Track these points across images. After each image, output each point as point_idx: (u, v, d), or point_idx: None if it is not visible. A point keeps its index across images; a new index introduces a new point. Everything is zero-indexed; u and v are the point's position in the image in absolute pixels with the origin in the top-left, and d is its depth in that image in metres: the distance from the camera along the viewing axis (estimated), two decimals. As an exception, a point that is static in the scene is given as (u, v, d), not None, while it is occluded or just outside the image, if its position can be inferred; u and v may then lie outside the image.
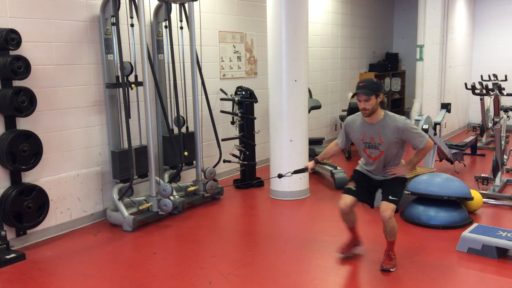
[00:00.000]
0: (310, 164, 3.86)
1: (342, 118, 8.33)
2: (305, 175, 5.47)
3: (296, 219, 4.83)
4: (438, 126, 6.13)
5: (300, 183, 5.42)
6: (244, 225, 4.79)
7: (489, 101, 7.90)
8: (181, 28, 5.28)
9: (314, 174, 6.43)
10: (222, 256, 3.86)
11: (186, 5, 5.16)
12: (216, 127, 5.55)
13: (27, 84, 3.97)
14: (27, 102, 3.91)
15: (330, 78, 8.81)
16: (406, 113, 10.68)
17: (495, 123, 5.35)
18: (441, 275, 3.46)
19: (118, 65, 4.50)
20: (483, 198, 4.89)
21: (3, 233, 3.85)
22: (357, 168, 3.79)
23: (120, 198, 4.55)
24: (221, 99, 6.11)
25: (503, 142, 5.64)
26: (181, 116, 5.26)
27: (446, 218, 4.41)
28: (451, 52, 8.94)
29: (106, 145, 4.77)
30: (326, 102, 8.59)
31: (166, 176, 5.23)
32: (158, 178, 4.96)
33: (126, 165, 4.57)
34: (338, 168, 6.00)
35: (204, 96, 5.39)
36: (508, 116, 6.42)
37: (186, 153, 5.11)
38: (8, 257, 3.77)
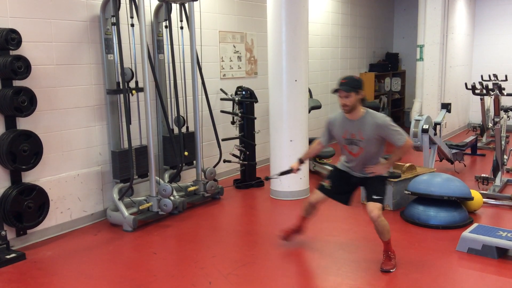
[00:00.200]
0: (295, 165, 3.90)
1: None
2: (306, 175, 5.47)
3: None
4: (438, 126, 6.13)
5: (300, 183, 5.42)
6: (244, 225, 4.79)
7: (489, 101, 7.89)
8: (181, 28, 5.28)
9: (315, 174, 6.42)
10: (222, 256, 3.86)
11: (186, 5, 5.16)
12: (216, 127, 5.55)
13: (27, 84, 3.97)
14: (27, 102, 3.91)
15: (330, 78, 8.81)
16: (406, 113, 10.69)
17: (495, 123, 5.35)
18: (441, 275, 3.46)
19: (119, 71, 4.51)
20: (483, 198, 4.89)
21: (3, 233, 3.85)
22: (337, 165, 3.84)
23: (120, 198, 4.55)
24: (221, 99, 6.11)
25: (503, 142, 5.64)
26: (181, 116, 5.26)
27: (446, 218, 4.41)
28: (451, 52, 8.94)
29: (106, 145, 4.77)
30: (326, 102, 8.59)
31: (166, 176, 5.23)
32: (158, 178, 4.96)
33: (126, 165, 4.57)
34: (338, 168, 5.99)
35: (204, 96, 5.39)
36: (508, 116, 6.41)
37: (186, 153, 5.11)
38: (8, 257, 3.77)
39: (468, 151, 7.34)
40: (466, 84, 7.09)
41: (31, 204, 4.00)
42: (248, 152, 5.84)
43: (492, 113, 6.16)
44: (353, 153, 3.60)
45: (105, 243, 4.20)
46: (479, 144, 7.83)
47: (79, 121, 4.52)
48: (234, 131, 5.97)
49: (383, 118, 3.51)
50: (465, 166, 6.77)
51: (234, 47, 6.43)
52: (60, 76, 4.34)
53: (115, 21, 4.49)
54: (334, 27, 8.76)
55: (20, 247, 4.08)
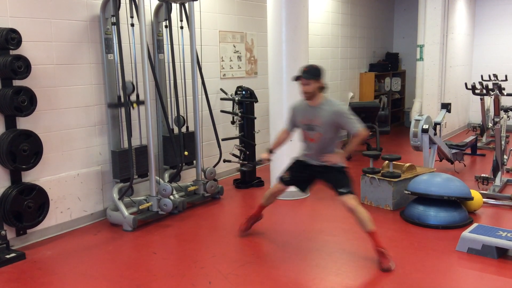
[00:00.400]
0: (264, 155, 4.06)
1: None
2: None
3: (296, 218, 4.83)
4: (438, 126, 6.13)
5: (300, 183, 5.41)
6: (244, 224, 4.79)
7: (489, 101, 7.89)
8: (182, 27, 5.28)
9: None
10: (222, 256, 3.86)
11: (186, 4, 5.16)
12: (216, 127, 5.55)
13: (27, 84, 3.97)
14: (27, 102, 3.91)
15: (330, 78, 8.80)
16: (406, 113, 10.70)
17: (495, 123, 5.34)
18: (441, 275, 3.46)
19: (120, 84, 4.55)
20: (483, 198, 4.89)
21: (3, 232, 3.85)
22: (298, 156, 4.01)
23: (120, 198, 4.56)
24: (221, 99, 6.11)
25: (503, 142, 5.64)
26: (181, 116, 5.26)
27: (446, 218, 4.41)
28: (451, 52, 8.94)
29: (106, 145, 4.77)
30: (326, 102, 8.58)
31: (166, 175, 5.23)
32: (158, 178, 4.96)
33: (126, 164, 4.58)
34: (338, 168, 5.99)
35: (204, 96, 5.39)
36: (508, 116, 6.41)
37: (186, 153, 5.11)
38: (8, 256, 3.77)
39: (468, 151, 7.34)
40: (466, 84, 7.10)
41: (31, 204, 4.01)
42: (248, 152, 5.84)
43: (492, 113, 6.15)
44: (311, 138, 3.80)
45: (105, 243, 4.20)
46: (479, 144, 7.83)
47: (79, 121, 4.52)
48: (234, 131, 5.98)
49: (340, 106, 3.75)
50: (465, 166, 6.77)
51: (234, 47, 6.43)
52: (60, 76, 4.34)
53: (115, 21, 4.49)
54: (334, 27, 8.76)
55: (20, 246, 4.08)
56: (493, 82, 6.58)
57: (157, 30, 5.18)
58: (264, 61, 6.21)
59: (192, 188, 5.22)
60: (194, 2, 5.09)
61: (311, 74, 3.67)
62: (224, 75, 6.30)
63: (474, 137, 7.43)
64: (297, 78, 3.71)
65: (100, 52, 4.64)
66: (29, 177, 4.13)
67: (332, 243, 4.13)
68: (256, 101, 5.86)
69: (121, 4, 4.57)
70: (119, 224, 4.53)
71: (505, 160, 5.77)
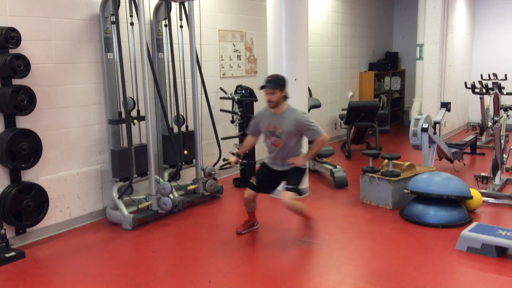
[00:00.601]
0: (233, 159, 4.24)
1: (342, 117, 8.34)
2: (305, 174, 5.46)
3: (296, 217, 4.82)
4: (437, 125, 6.13)
5: (300, 182, 5.41)
6: (243, 223, 4.79)
7: (489, 100, 7.90)
8: (181, 26, 5.27)
9: (314, 173, 6.43)
10: (222, 255, 3.86)
11: (186, 3, 5.16)
12: (215, 126, 5.55)
13: (27, 83, 3.97)
14: (26, 101, 3.91)
15: (330, 77, 8.81)
16: (406, 112, 10.70)
17: (494, 122, 5.34)
18: (440, 274, 3.46)
19: (121, 100, 4.58)
20: (482, 197, 4.89)
21: (2, 231, 3.85)
22: (264, 160, 4.21)
23: (120, 197, 4.55)
24: (221, 98, 6.11)
25: (502, 141, 5.64)
26: (181, 115, 5.26)
27: (446, 217, 4.41)
28: (451, 51, 8.94)
29: (106, 144, 4.76)
30: (326, 101, 8.59)
31: (166, 174, 5.23)
32: (158, 177, 4.96)
33: (126, 163, 4.57)
34: (337, 167, 6.00)
35: (204, 95, 5.39)
36: (508, 115, 6.42)
37: (185, 152, 5.11)
38: (7, 255, 3.77)
39: (468, 150, 7.34)
40: (465, 83, 7.09)
41: (30, 203, 4.00)
42: (247, 151, 5.83)
43: (491, 112, 6.15)
44: (275, 144, 3.98)
45: (104, 242, 4.20)
46: (478, 143, 7.83)
47: (78, 120, 4.52)
48: (234, 130, 5.98)
49: (301, 115, 3.91)
50: (464, 165, 6.77)
51: (234, 46, 6.43)
52: (60, 75, 4.34)
53: (114, 20, 4.49)
54: (334, 26, 8.76)
55: (20, 245, 4.08)
56: (493, 81, 6.57)
57: (157, 29, 5.18)
58: (264, 60, 6.21)
59: (191, 187, 5.22)
60: (194, 1, 5.09)
61: (276, 84, 3.82)
62: (224, 74, 6.30)
63: (474, 136, 7.43)
64: (262, 87, 3.87)
65: (100, 51, 4.64)
66: (29, 176, 4.13)
67: (331, 242, 4.13)
68: (256, 100, 5.86)
69: (121, 3, 4.57)
70: (119, 223, 4.53)
71: (504, 159, 5.77)
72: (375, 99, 9.59)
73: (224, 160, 4.67)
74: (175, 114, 5.17)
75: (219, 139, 5.55)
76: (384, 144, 8.16)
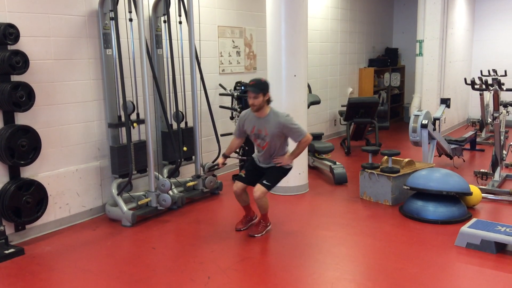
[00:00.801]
0: (220, 160, 4.31)
1: (342, 113, 8.33)
2: (304, 170, 5.47)
3: (295, 214, 4.83)
4: (437, 121, 6.12)
5: (299, 178, 5.42)
6: (243, 220, 4.79)
7: (488, 96, 7.89)
8: (180, 23, 5.26)
9: (314, 170, 6.43)
10: (221, 251, 3.87)
11: (185, -1, 5.15)
12: (215, 122, 5.54)
13: (26, 79, 3.96)
14: (25, 97, 3.90)
15: (330, 73, 8.80)
16: (406, 108, 10.69)
17: (494, 118, 5.34)
18: (439, 270, 3.47)
19: (121, 104, 4.57)
20: (482, 193, 4.90)
21: (2, 228, 3.85)
22: (253, 155, 4.29)
23: (119, 193, 4.55)
24: (220, 94, 6.11)
25: (502, 137, 5.64)
26: (180, 111, 5.25)
27: (445, 213, 4.41)
28: (450, 47, 8.93)
29: (105, 140, 4.76)
30: (325, 97, 8.59)
31: (165, 171, 5.23)
32: (157, 173, 4.96)
33: (125, 160, 4.57)
34: (337, 163, 6.00)
35: (203, 91, 5.38)
36: (507, 111, 6.41)
37: (185, 148, 5.11)
38: (7, 252, 3.77)
39: (467, 146, 7.34)
40: (465, 79, 7.08)
41: (29, 199, 4.00)
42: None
43: (491, 108, 6.15)
44: (261, 146, 4.06)
45: (104, 238, 4.21)
46: (478, 139, 7.83)
47: (77, 116, 4.52)
48: (233, 126, 5.95)
49: (284, 117, 3.94)
50: (464, 161, 6.78)
51: (233, 42, 6.42)
52: (59, 71, 4.33)
53: (113, 16, 4.47)
54: (334, 22, 8.74)
55: (19, 242, 4.08)
56: (493, 77, 6.57)
57: (156, 25, 5.16)
58: (263, 56, 6.20)
59: (191, 183, 5.22)
60: (193, -3, 5.07)
61: (259, 88, 3.86)
62: (223, 70, 6.29)
63: (473, 132, 7.43)
64: (244, 92, 3.87)
65: (99, 47, 4.62)
66: (28, 172, 4.13)
67: (330, 238, 4.13)
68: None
69: (119, -1, 4.56)
70: (118, 220, 4.53)
71: (504, 155, 5.77)
72: (375, 96, 9.58)
73: (212, 162, 4.74)
74: (174, 110, 5.16)
75: (219, 135, 5.54)
76: (383, 141, 8.15)
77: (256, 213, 4.41)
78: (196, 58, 5.24)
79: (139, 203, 4.62)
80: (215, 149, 5.59)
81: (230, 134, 5.85)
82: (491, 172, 5.60)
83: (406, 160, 5.19)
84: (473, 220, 4.10)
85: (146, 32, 4.77)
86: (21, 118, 4.03)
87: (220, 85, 6.07)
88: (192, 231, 4.36)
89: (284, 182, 5.29)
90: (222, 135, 5.72)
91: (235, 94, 5.78)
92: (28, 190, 4.02)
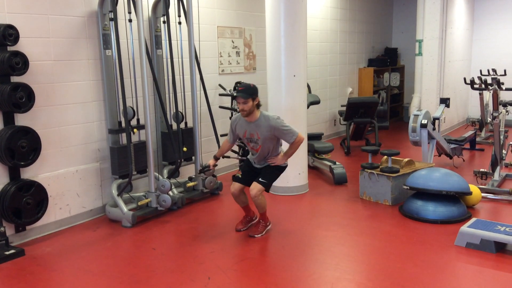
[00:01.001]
0: (211, 162, 4.35)
1: (341, 113, 8.34)
2: (304, 170, 5.47)
3: (295, 214, 4.84)
4: (437, 121, 6.13)
5: (299, 178, 5.42)
6: (243, 220, 4.79)
7: (488, 95, 7.89)
8: (180, 23, 5.26)
9: (313, 170, 6.43)
10: (221, 251, 3.87)
11: (184, 0, 5.14)
12: (215, 123, 5.55)
13: (25, 80, 3.96)
14: (25, 98, 3.90)
15: (329, 73, 8.80)
16: (405, 108, 10.70)
17: (494, 118, 5.34)
18: (439, 270, 3.47)
19: (121, 109, 4.59)
20: (481, 192, 4.90)
21: (2, 229, 3.86)
22: (248, 157, 4.36)
23: (119, 194, 4.56)
24: (220, 95, 6.11)
25: (502, 137, 5.64)
26: (180, 112, 5.25)
27: (445, 212, 4.41)
28: (450, 47, 8.93)
29: (105, 141, 4.76)
30: (325, 97, 8.59)
31: (165, 171, 5.23)
32: (157, 174, 4.96)
33: (125, 161, 4.57)
34: (337, 163, 6.00)
35: (202, 92, 5.38)
36: (507, 111, 6.41)
37: (185, 149, 5.11)
38: (7, 253, 3.78)
39: (467, 145, 7.35)
40: (465, 79, 7.09)
41: (30, 200, 4.01)
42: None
43: (491, 107, 6.15)
44: (254, 149, 4.11)
45: (104, 239, 4.21)
46: (478, 139, 7.83)
47: (77, 117, 4.52)
48: (233, 127, 5.96)
49: (275, 120, 3.97)
50: (463, 161, 6.78)
51: (233, 42, 6.42)
52: (58, 72, 4.33)
53: (113, 17, 4.47)
54: (333, 22, 8.74)
55: (19, 243, 4.08)
56: (492, 76, 6.57)
57: (155, 25, 5.17)
58: (263, 56, 6.20)
59: (191, 184, 5.22)
60: (192, -3, 5.07)
61: (248, 93, 3.89)
62: (223, 70, 6.29)
63: (473, 132, 7.43)
64: (234, 98, 3.89)
65: (98, 48, 4.63)
66: (28, 173, 4.13)
67: (330, 238, 4.14)
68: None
69: (119, 0, 4.56)
70: (118, 220, 4.53)
71: (503, 155, 5.77)
72: (374, 95, 9.58)
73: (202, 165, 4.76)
74: (174, 111, 5.16)
75: (218, 135, 5.55)
76: (383, 140, 8.16)
77: (256, 214, 4.41)
78: (195, 59, 5.25)
79: (139, 203, 4.63)
80: (215, 150, 5.59)
81: (230, 134, 5.88)
82: (491, 171, 5.60)
83: (406, 160, 5.19)
84: (473, 219, 4.10)
85: (145, 32, 4.77)
86: (21, 119, 4.04)
87: (220, 85, 6.07)
88: (192, 232, 4.37)
89: (284, 182, 5.33)
90: (222, 135, 5.72)
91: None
92: (28, 191, 4.02)
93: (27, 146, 3.95)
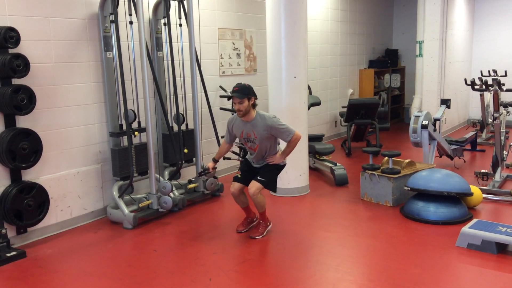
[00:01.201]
0: (210, 164, 4.37)
1: (342, 115, 8.34)
2: (305, 171, 5.47)
3: (296, 215, 4.84)
4: (437, 122, 6.13)
5: (300, 179, 5.43)
6: (244, 222, 4.79)
7: (488, 96, 7.89)
8: (180, 25, 5.27)
9: (314, 171, 6.43)
10: (223, 253, 3.87)
11: (185, 2, 5.16)
12: (215, 124, 5.55)
13: (26, 82, 3.97)
14: (26, 100, 3.91)
15: (330, 75, 8.81)
16: (406, 109, 10.69)
17: (494, 119, 5.34)
18: (440, 271, 3.47)
19: (122, 112, 4.60)
20: (482, 193, 4.90)
21: (3, 231, 3.86)
22: (246, 156, 4.38)
23: (120, 196, 4.56)
24: (221, 96, 6.12)
25: (502, 138, 5.64)
26: (181, 114, 5.26)
27: (446, 213, 4.41)
28: (450, 48, 8.94)
29: (106, 143, 4.77)
30: (325, 99, 8.59)
31: (166, 173, 5.23)
32: (158, 176, 4.96)
33: (126, 162, 4.58)
34: (338, 164, 6.01)
35: (203, 93, 5.39)
36: (507, 112, 6.41)
37: (186, 150, 5.11)
38: (8, 255, 3.78)
39: (468, 146, 7.34)
40: (465, 80, 7.09)
41: (31, 202, 4.01)
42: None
43: (491, 108, 6.15)
44: (252, 149, 4.13)
45: (105, 241, 4.21)
46: (478, 140, 7.83)
47: (78, 119, 4.53)
48: (234, 128, 5.97)
49: (271, 119, 3.98)
50: (464, 161, 6.78)
51: (233, 44, 6.43)
52: (59, 74, 4.34)
53: (113, 19, 4.49)
54: (334, 23, 8.75)
55: (21, 245, 4.09)
56: (493, 77, 6.57)
57: (156, 27, 5.18)
58: (263, 58, 6.21)
59: (192, 185, 5.22)
60: (193, -1, 5.08)
61: (243, 93, 3.90)
62: (223, 72, 6.30)
63: (474, 133, 7.43)
64: (229, 98, 3.90)
65: (99, 50, 4.64)
66: (29, 175, 4.14)
67: (332, 239, 4.14)
68: (256, 98, 5.85)
69: (120, 2, 4.57)
70: (119, 222, 4.54)
71: (504, 156, 5.77)
72: (375, 97, 9.59)
73: (202, 167, 4.79)
74: (175, 112, 5.17)
75: (219, 137, 5.55)
76: (384, 142, 8.16)
77: (257, 215, 4.41)
78: (196, 60, 5.25)
79: (140, 205, 4.63)
80: (215, 151, 5.55)
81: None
82: (492, 172, 5.60)
83: (407, 161, 5.19)
84: (474, 220, 4.10)
85: (146, 34, 4.78)
86: (22, 121, 4.04)
87: (221, 87, 6.08)
88: (193, 233, 4.37)
89: (285, 184, 5.33)
90: (222, 137, 5.71)
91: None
92: (30, 193, 4.03)
93: (28, 148, 3.96)
